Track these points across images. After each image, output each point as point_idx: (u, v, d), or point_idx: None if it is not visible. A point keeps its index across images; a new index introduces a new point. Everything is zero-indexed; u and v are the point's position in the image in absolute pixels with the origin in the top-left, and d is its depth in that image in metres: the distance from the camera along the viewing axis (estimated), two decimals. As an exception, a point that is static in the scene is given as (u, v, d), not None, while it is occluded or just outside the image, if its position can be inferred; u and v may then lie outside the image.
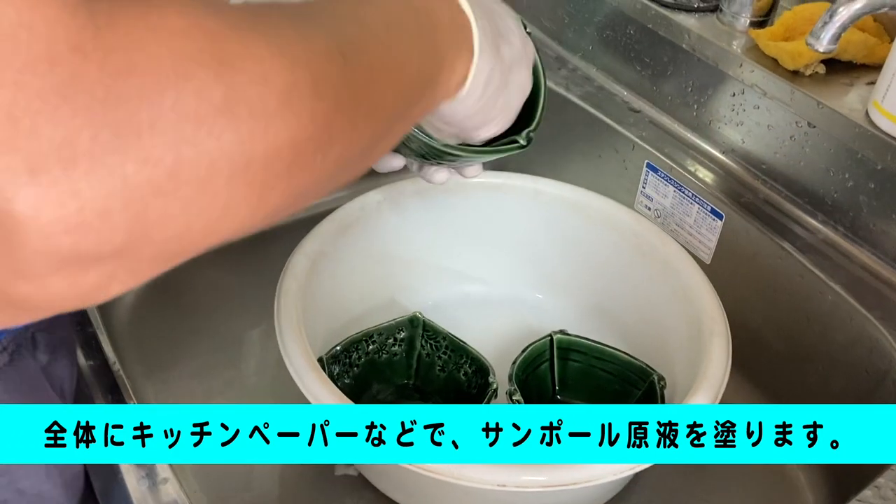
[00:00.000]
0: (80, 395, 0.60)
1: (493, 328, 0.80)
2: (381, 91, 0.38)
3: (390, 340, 0.73)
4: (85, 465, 0.55)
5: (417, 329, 0.73)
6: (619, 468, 0.55)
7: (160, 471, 0.55)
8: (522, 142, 0.58)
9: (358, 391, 0.71)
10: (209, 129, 0.28)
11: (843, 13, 0.59)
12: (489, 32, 0.48)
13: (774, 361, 0.77)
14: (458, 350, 0.72)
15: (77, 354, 0.62)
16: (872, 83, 0.72)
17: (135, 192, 0.27)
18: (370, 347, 0.72)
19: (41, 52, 0.25)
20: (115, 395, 0.59)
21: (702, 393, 0.60)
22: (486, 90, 0.50)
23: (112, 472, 0.55)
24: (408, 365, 0.74)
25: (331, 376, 0.63)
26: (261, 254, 0.92)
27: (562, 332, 0.73)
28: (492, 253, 0.83)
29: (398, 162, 0.61)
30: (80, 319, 0.65)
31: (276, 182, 0.32)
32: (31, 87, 0.24)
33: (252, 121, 0.29)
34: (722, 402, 0.60)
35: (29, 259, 0.27)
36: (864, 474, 0.60)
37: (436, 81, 0.45)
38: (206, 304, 0.86)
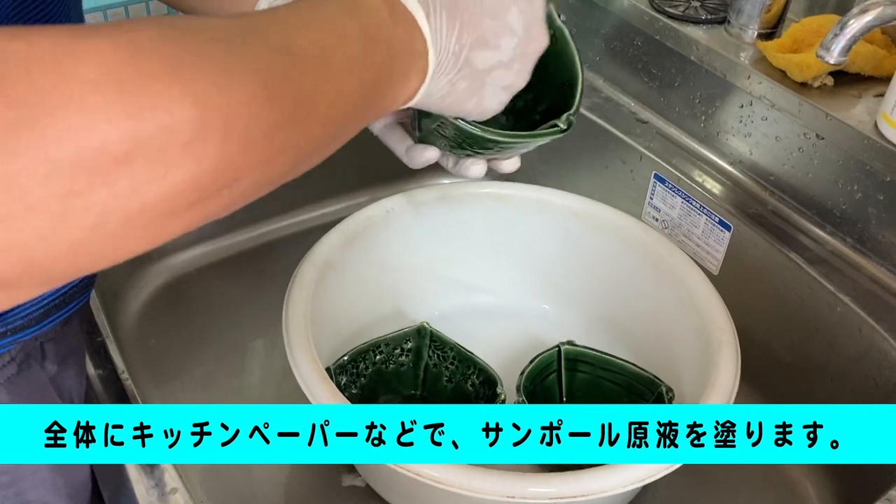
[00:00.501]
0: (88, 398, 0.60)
1: (501, 339, 0.80)
2: (304, 122, 0.37)
3: (397, 351, 0.73)
4: (93, 475, 0.56)
5: (425, 339, 0.73)
6: (627, 479, 0.54)
7: (169, 481, 0.55)
8: (563, 125, 0.56)
9: (365, 401, 0.71)
10: (103, 179, 0.28)
11: (854, 25, 0.59)
12: (462, 45, 0.47)
13: (783, 373, 0.77)
14: (465, 361, 0.72)
15: (86, 364, 0.62)
16: (881, 95, 0.72)
17: (18, 237, 0.28)
18: (377, 357, 0.72)
19: None
20: (124, 403, 0.60)
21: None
22: (446, 98, 0.49)
23: (121, 480, 0.55)
24: (415, 375, 0.74)
25: (338, 386, 0.63)
26: (266, 263, 0.93)
27: (569, 342, 0.73)
28: (499, 263, 0.83)
29: (432, 153, 0.59)
30: (88, 329, 0.65)
31: (174, 218, 0.32)
32: None
33: (149, 169, 0.30)
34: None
35: None
36: (874, 484, 0.59)
37: (376, 103, 0.44)
38: (212, 313, 0.86)
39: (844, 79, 0.74)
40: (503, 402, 0.68)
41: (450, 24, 0.46)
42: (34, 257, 0.29)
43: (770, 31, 0.79)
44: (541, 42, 0.52)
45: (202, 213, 0.34)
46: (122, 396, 0.59)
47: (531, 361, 0.70)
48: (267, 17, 0.38)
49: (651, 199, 0.86)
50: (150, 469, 0.54)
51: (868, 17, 0.59)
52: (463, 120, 0.53)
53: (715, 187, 0.81)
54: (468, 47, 0.47)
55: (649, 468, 0.55)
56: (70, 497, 0.54)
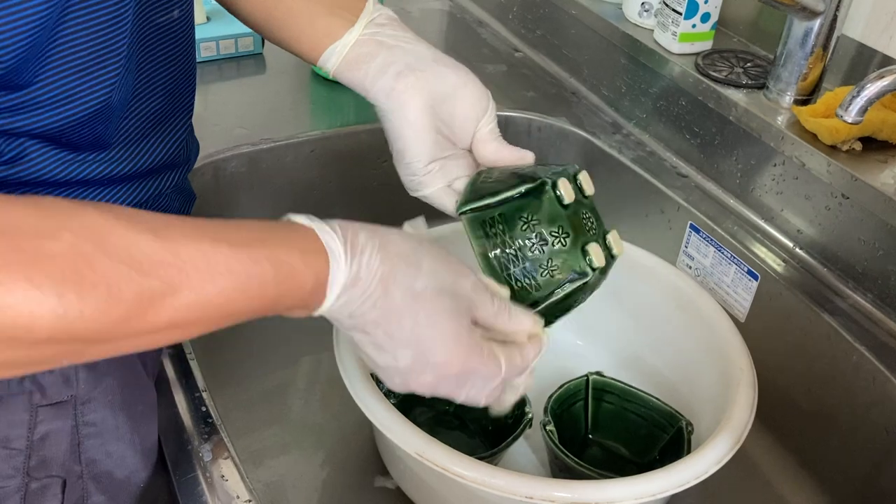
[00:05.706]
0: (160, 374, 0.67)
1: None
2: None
3: (436, 367, 0.78)
4: (159, 438, 0.62)
5: (462, 358, 0.77)
6: (642, 492, 0.58)
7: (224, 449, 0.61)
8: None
9: (402, 412, 0.76)
10: None
11: (871, 88, 0.64)
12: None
13: (799, 418, 0.80)
14: (498, 381, 0.76)
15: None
16: (905, 162, 0.77)
17: None
18: (417, 371, 0.77)
19: None
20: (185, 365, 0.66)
21: (724, 435, 0.63)
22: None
23: (181, 443, 0.61)
24: (450, 392, 0.78)
25: (379, 391, 0.68)
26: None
27: (598, 373, 0.77)
28: (538, 297, 0.87)
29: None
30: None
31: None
32: None
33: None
34: (747, 455, 0.63)
35: None
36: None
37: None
38: (263, 330, 0.92)
39: (873, 145, 0.79)
40: (530, 421, 0.72)
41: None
42: None
43: (806, 99, 0.84)
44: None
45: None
46: (187, 371, 0.65)
47: (560, 386, 0.75)
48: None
49: (686, 247, 0.91)
50: (208, 435, 0.60)
51: (884, 82, 0.64)
52: None
53: (746, 239, 0.86)
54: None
55: (662, 483, 0.59)
56: (143, 454, 0.60)
